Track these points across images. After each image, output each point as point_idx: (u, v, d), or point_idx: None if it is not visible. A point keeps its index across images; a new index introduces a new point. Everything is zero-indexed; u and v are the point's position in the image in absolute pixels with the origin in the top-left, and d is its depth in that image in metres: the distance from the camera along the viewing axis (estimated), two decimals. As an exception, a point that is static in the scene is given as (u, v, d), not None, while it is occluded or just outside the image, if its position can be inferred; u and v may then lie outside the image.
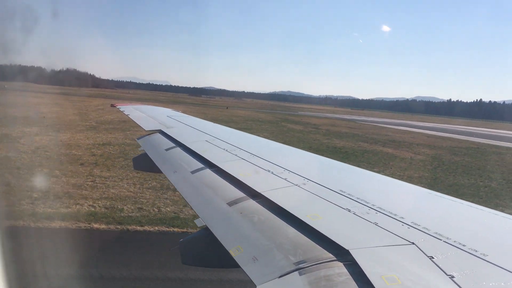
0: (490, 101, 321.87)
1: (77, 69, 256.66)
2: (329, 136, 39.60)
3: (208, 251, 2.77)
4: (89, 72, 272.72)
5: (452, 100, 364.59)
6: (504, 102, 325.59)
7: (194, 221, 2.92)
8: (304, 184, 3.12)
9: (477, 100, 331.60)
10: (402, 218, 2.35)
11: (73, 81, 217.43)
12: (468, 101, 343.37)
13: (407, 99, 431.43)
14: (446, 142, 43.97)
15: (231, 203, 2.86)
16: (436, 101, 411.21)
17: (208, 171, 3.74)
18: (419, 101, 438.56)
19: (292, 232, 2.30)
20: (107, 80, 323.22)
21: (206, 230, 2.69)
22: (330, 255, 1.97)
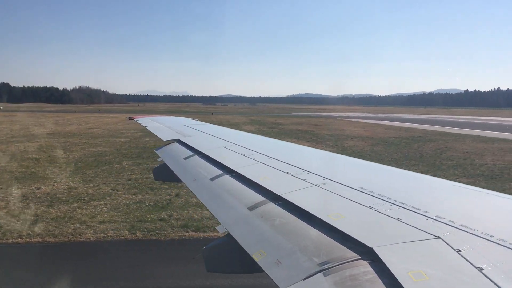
0: (508, 88, 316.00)
1: (90, 87, 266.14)
2: (279, 135, 40.21)
3: (231, 257, 2.76)
4: (102, 89, 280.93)
5: (469, 91, 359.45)
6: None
7: (216, 227, 2.95)
8: (324, 184, 3.10)
9: (494, 89, 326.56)
10: (426, 212, 2.31)
11: (85, 98, 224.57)
12: (485, 90, 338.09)
13: (424, 93, 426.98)
14: (397, 133, 43.66)
15: (251, 208, 2.86)
16: (454, 93, 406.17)
17: (227, 177, 3.75)
18: (436, 93, 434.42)
19: (314, 233, 2.28)
20: (120, 95, 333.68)
21: (228, 236, 2.69)
22: (354, 254, 1.95)
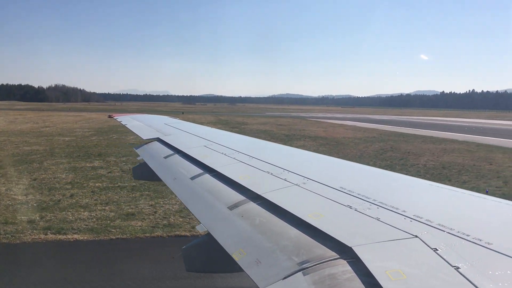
0: (482, 91, 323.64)
1: (66, 85, 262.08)
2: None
3: (211, 257, 2.77)
4: (79, 87, 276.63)
5: (445, 92, 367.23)
6: (497, 91, 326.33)
7: (196, 227, 2.93)
8: (304, 183, 3.10)
9: (469, 91, 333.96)
10: (404, 211, 2.33)
11: (61, 96, 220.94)
12: (460, 92, 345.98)
13: (401, 94, 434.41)
14: (354, 134, 43.98)
15: (231, 207, 2.86)
16: (431, 94, 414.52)
17: (207, 176, 3.74)
18: (413, 95, 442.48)
19: (294, 232, 2.29)
20: (98, 94, 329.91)
21: (208, 236, 2.69)
22: (334, 253, 1.96)
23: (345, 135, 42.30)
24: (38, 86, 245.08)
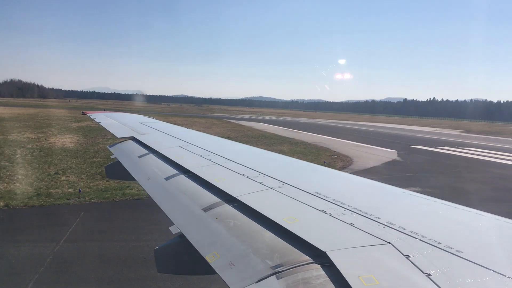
0: (442, 99, 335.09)
1: (22, 80, 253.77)
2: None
3: (183, 258, 2.74)
4: (36, 83, 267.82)
5: (407, 99, 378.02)
6: (456, 100, 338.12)
7: (169, 228, 2.88)
8: (280, 187, 3.11)
9: (430, 99, 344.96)
10: (378, 218, 2.36)
11: (15, 91, 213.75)
12: (422, 100, 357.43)
13: (367, 100, 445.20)
14: (231, 133, 43.33)
15: (206, 209, 2.84)
16: (395, 101, 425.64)
17: (182, 177, 3.71)
18: (379, 101, 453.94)
19: (268, 236, 2.29)
20: (57, 90, 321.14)
21: (181, 237, 2.67)
22: (307, 257, 1.97)
23: (220, 133, 40.76)
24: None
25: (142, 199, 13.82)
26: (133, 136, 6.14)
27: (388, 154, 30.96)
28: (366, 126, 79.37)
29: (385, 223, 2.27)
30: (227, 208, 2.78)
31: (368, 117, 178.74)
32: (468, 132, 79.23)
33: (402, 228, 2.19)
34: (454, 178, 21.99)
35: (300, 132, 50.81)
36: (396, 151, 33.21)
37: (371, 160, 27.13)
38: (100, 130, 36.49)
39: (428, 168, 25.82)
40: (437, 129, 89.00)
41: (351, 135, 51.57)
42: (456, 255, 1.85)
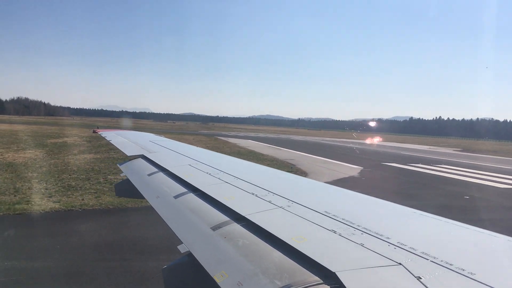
0: (448, 118, 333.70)
1: (29, 98, 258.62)
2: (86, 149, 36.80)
3: (192, 278, 2.70)
4: (43, 101, 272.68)
5: (413, 118, 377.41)
6: (463, 119, 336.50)
7: (177, 247, 2.83)
8: (289, 206, 3.09)
9: (436, 117, 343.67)
10: (388, 238, 2.32)
11: (21, 109, 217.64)
12: (428, 119, 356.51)
13: (374, 119, 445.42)
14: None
15: (215, 228, 2.80)
16: (401, 120, 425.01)
17: (191, 196, 3.69)
18: (385, 120, 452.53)
19: (277, 255, 2.25)
20: (64, 108, 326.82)
21: (189, 256, 2.63)
22: (317, 278, 1.94)
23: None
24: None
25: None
26: (143, 154, 6.18)
27: (351, 171, 30.67)
28: (358, 144, 78.68)
29: (396, 244, 2.23)
30: (236, 227, 2.75)
31: (369, 135, 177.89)
32: (462, 150, 78.07)
33: (413, 248, 2.15)
34: (393, 194, 21.39)
35: (280, 149, 50.70)
36: (362, 167, 32.87)
37: (326, 176, 26.81)
38: (71, 147, 37.04)
39: (378, 184, 25.48)
40: (432, 147, 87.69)
41: (332, 152, 51.12)
42: (469, 277, 1.82)
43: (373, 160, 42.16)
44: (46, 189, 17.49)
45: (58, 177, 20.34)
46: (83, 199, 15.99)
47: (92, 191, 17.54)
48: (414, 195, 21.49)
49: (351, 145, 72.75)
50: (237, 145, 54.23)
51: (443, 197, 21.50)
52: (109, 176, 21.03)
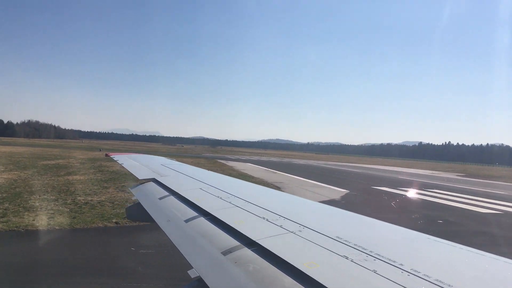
0: (458, 143, 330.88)
1: (39, 121, 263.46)
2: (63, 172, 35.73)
3: None
4: (54, 124, 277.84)
5: (422, 143, 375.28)
6: (473, 144, 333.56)
7: (188, 271, 2.80)
8: (300, 231, 3.05)
9: (445, 143, 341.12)
10: (401, 265, 2.29)
11: (31, 132, 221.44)
12: (437, 144, 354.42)
13: (383, 144, 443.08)
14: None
15: (225, 252, 2.78)
16: (410, 145, 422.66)
17: (202, 220, 3.67)
18: (394, 145, 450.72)
19: (288, 281, 2.23)
20: (75, 131, 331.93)
21: (199, 281, 2.59)
22: None
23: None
24: (8, 121, 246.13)
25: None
26: (154, 178, 6.22)
27: (334, 194, 30.12)
28: (358, 168, 77.94)
29: (409, 270, 2.20)
30: (247, 252, 2.73)
31: (375, 160, 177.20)
32: (466, 176, 77.01)
33: (427, 276, 2.11)
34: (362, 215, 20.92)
35: (275, 172, 50.50)
36: (348, 191, 32.32)
37: (307, 199, 26.34)
38: (60, 168, 37.04)
39: (357, 208, 24.69)
40: (436, 172, 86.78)
41: (327, 176, 50.65)
42: None
43: (364, 184, 41.61)
44: (5, 209, 17.28)
45: (26, 197, 20.23)
46: (33, 220, 15.70)
47: (51, 212, 17.25)
48: (383, 219, 20.66)
49: (351, 169, 72.49)
50: (232, 168, 54.22)
51: (414, 221, 20.87)
52: (78, 197, 20.83)
